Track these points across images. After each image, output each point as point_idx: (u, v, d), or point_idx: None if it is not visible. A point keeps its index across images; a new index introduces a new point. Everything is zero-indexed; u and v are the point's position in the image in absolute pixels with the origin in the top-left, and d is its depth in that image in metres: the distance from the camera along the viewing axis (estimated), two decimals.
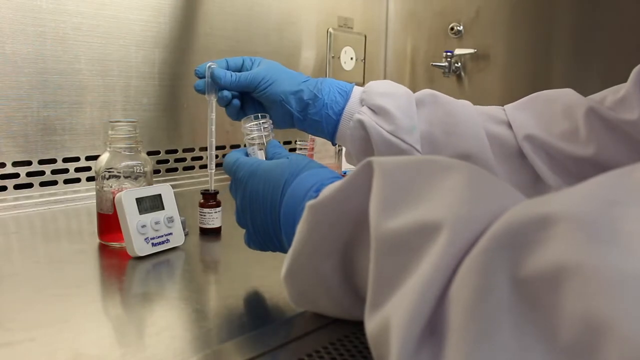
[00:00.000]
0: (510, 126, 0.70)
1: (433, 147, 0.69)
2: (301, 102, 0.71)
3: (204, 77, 0.71)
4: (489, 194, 0.32)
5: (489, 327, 0.26)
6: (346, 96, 0.71)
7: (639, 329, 0.21)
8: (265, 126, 0.59)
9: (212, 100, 0.72)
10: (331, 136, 0.72)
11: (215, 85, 0.71)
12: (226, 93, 0.71)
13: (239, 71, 0.73)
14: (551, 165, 0.67)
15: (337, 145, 1.02)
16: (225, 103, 0.72)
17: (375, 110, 0.69)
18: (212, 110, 0.72)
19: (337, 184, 0.40)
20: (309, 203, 0.41)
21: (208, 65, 0.71)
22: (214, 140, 0.73)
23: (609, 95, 0.65)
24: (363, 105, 0.70)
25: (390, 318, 0.31)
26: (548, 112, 0.68)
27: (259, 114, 0.60)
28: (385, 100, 0.69)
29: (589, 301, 0.23)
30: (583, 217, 0.25)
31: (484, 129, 0.69)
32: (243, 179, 0.53)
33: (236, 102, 0.73)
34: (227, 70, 0.72)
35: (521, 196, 0.33)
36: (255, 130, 0.59)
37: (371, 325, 0.33)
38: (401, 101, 0.70)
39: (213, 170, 0.74)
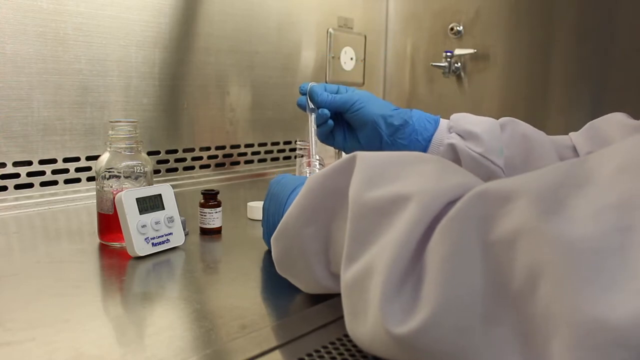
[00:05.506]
0: (575, 149, 0.75)
1: (512, 169, 0.73)
2: (391, 127, 0.75)
3: (306, 94, 0.78)
4: (452, 176, 0.39)
5: (461, 270, 0.33)
6: (435, 125, 0.76)
7: (571, 273, 0.28)
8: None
9: (312, 117, 0.80)
10: None
11: (312, 102, 0.77)
12: (325, 111, 0.77)
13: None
14: None
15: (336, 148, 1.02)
16: (322, 120, 0.78)
17: (464, 135, 0.74)
18: (312, 124, 0.80)
19: (329, 165, 0.46)
20: (309, 177, 0.48)
21: (310, 84, 0.78)
22: (314, 147, 0.80)
23: None
24: (451, 132, 0.75)
25: (373, 262, 0.37)
26: (604, 132, 0.74)
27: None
28: (473, 126, 0.74)
29: (534, 254, 0.30)
30: (539, 194, 0.31)
31: (555, 151, 0.75)
32: (271, 185, 0.62)
33: (331, 122, 0.78)
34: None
35: (479, 179, 0.40)
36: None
37: (349, 274, 0.39)
38: (487, 126, 0.74)
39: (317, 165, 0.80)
